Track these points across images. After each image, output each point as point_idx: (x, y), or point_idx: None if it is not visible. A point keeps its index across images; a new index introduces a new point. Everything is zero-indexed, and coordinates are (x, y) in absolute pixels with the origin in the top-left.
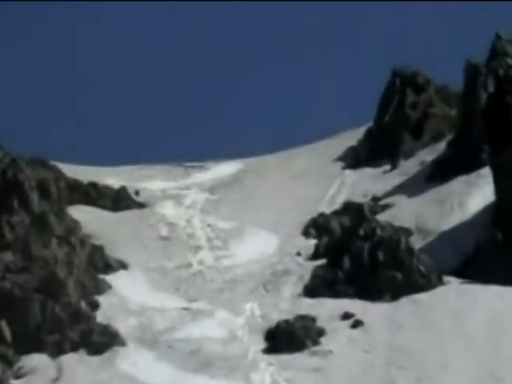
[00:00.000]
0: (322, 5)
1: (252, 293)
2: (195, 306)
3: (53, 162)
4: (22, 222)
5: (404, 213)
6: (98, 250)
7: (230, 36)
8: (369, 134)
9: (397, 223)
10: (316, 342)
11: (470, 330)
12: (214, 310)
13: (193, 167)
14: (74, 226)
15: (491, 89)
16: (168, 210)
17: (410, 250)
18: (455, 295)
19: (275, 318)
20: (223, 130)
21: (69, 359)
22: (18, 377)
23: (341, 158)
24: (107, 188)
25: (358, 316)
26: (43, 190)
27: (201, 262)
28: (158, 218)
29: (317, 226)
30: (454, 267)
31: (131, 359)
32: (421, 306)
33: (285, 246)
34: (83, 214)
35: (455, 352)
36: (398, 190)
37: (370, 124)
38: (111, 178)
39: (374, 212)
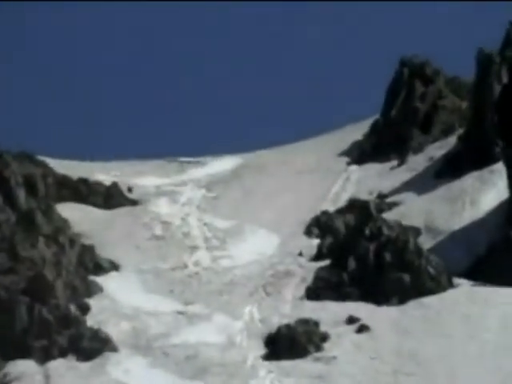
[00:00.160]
0: None
1: (251, 295)
2: (191, 309)
3: (41, 157)
4: (8, 221)
5: (412, 211)
6: (88, 249)
7: (228, 27)
8: (375, 128)
9: (405, 222)
10: (319, 348)
11: (483, 336)
12: (212, 313)
13: (188, 162)
14: (62, 225)
15: (505, 79)
16: (162, 207)
17: (418, 250)
18: (466, 299)
19: (276, 322)
20: (221, 123)
21: (57, 366)
22: None
23: (345, 153)
24: (98, 184)
25: (364, 320)
26: (30, 186)
27: (197, 263)
28: (152, 217)
29: (320, 225)
30: (465, 269)
31: (123, 366)
32: (430, 310)
33: (286, 246)
34: (72, 212)
35: (466, 359)
36: (406, 186)
37: (377, 117)
38: (102, 173)
39: (381, 210)
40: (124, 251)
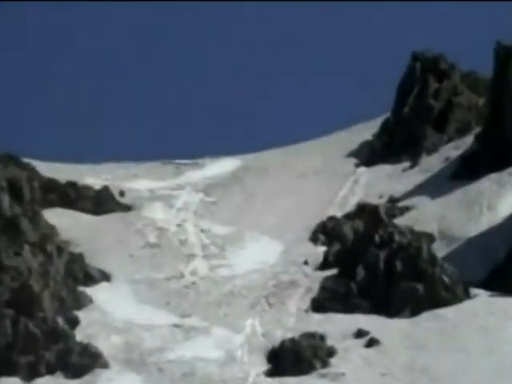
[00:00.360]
0: None
1: (253, 307)
2: (188, 322)
3: (26, 159)
4: None
5: (426, 216)
6: (77, 258)
7: (230, 29)
8: (386, 127)
9: (417, 228)
10: (325, 364)
11: (501, 350)
12: (210, 326)
13: (185, 164)
14: (49, 232)
15: None
16: (157, 213)
17: (432, 258)
18: (484, 310)
19: (279, 336)
20: (220, 123)
21: (44, 383)
22: None
23: (354, 154)
24: (88, 188)
25: (374, 334)
26: (15, 190)
27: (194, 273)
28: (146, 223)
29: (326, 231)
30: (482, 278)
31: (115, 383)
32: (445, 322)
33: (290, 253)
34: (60, 218)
35: (484, 375)
36: (419, 190)
37: (387, 115)
38: (92, 177)
39: (392, 215)
40: (116, 260)
